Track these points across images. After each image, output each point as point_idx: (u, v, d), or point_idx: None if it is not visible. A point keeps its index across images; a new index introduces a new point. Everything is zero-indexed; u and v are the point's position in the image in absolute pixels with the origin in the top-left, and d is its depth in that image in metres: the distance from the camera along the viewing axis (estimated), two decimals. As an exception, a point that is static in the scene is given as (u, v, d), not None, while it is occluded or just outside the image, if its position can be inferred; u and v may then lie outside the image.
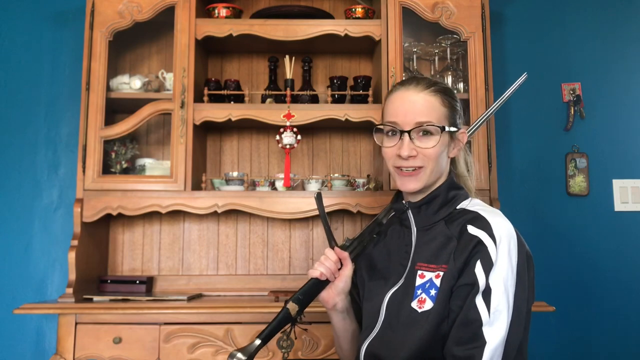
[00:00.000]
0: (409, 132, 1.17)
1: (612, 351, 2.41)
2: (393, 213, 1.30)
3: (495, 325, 1.03)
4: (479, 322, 1.03)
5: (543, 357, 2.39)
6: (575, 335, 2.41)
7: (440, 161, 1.20)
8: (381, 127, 1.23)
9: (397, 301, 1.16)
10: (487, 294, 1.05)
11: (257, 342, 1.15)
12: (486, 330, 1.03)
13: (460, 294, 1.08)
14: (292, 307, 1.19)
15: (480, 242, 1.08)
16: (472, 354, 1.02)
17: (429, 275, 1.13)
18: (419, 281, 1.14)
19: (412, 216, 1.22)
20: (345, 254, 1.23)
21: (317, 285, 1.22)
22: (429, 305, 1.10)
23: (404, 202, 1.25)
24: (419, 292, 1.13)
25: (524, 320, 1.09)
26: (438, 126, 1.17)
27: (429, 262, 1.14)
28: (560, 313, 2.31)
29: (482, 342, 1.02)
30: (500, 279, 1.05)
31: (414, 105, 1.18)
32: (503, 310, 1.04)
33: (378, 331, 1.18)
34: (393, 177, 1.23)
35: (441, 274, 1.11)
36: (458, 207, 1.20)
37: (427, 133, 1.17)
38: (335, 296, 1.24)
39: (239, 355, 1.12)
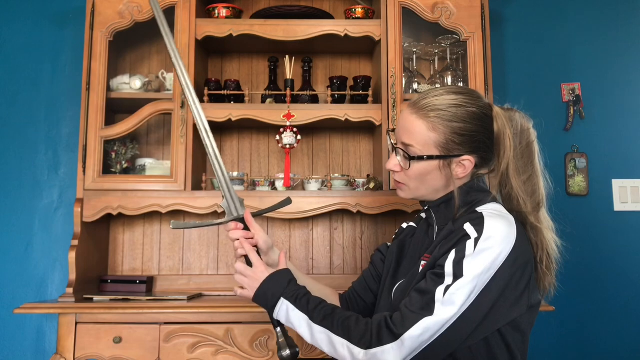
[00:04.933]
0: (396, 148, 1.21)
1: (612, 351, 2.41)
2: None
3: (447, 307, 1.03)
4: (432, 295, 1.04)
5: (543, 357, 2.39)
6: (575, 335, 2.42)
7: (426, 182, 1.19)
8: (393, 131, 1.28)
9: (402, 291, 1.19)
10: (454, 278, 1.05)
11: (279, 329, 1.20)
12: (437, 306, 1.03)
13: (427, 273, 1.10)
14: None
15: (465, 235, 1.08)
16: (411, 317, 1.04)
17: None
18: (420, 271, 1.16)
19: (434, 215, 1.24)
20: (248, 219, 1.29)
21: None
22: None
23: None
24: None
25: (474, 322, 1.07)
26: (406, 153, 1.18)
27: (430, 253, 1.16)
28: (560, 313, 2.31)
29: (426, 313, 1.03)
30: (472, 271, 1.04)
31: (405, 124, 1.20)
32: (457, 301, 1.03)
33: None
34: None
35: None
36: (475, 209, 1.17)
37: (406, 157, 1.18)
38: (264, 256, 1.31)
39: (287, 352, 1.18)
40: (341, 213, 2.41)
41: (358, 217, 2.44)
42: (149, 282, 2.23)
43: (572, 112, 2.52)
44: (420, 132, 1.17)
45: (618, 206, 2.49)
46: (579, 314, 2.43)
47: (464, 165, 1.18)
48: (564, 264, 2.57)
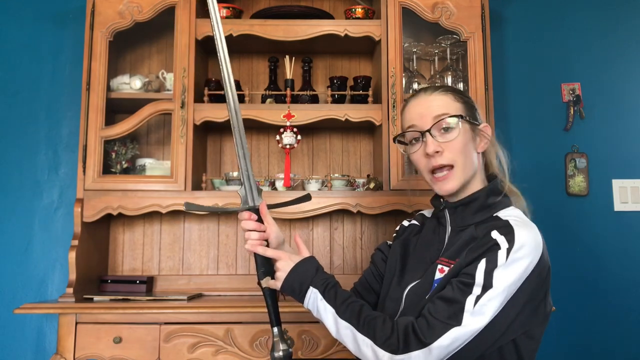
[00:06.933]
0: (429, 130, 1.19)
1: (612, 351, 2.41)
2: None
3: (476, 317, 1.03)
4: (461, 305, 1.03)
5: (543, 357, 2.39)
6: (576, 335, 2.42)
7: (468, 154, 1.19)
8: (402, 136, 1.25)
9: (416, 294, 1.17)
10: (484, 289, 1.04)
11: (275, 329, 1.19)
12: (466, 317, 1.03)
13: (452, 280, 1.08)
14: (266, 281, 1.21)
15: (495, 245, 1.07)
16: (439, 326, 1.02)
17: (447, 270, 1.13)
18: (437, 275, 1.14)
19: (448, 215, 1.23)
20: (262, 210, 1.27)
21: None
22: None
23: (442, 200, 1.26)
24: (435, 285, 1.13)
25: (500, 332, 1.07)
26: (455, 115, 1.19)
27: (449, 257, 1.15)
28: (560, 313, 2.31)
29: (454, 323, 1.02)
30: (503, 282, 1.04)
31: (428, 104, 1.21)
32: (488, 312, 1.03)
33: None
34: (430, 185, 1.23)
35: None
36: (495, 214, 1.17)
37: (447, 129, 1.18)
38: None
39: (281, 350, 1.16)
40: (341, 213, 2.41)
41: (358, 217, 2.44)
42: (149, 282, 2.23)
43: (572, 112, 2.52)
44: (449, 102, 1.21)
45: (618, 206, 2.49)
46: (579, 314, 2.43)
47: (485, 134, 1.24)
48: (564, 263, 2.56)
